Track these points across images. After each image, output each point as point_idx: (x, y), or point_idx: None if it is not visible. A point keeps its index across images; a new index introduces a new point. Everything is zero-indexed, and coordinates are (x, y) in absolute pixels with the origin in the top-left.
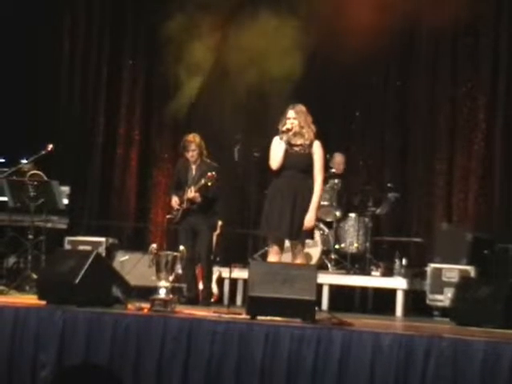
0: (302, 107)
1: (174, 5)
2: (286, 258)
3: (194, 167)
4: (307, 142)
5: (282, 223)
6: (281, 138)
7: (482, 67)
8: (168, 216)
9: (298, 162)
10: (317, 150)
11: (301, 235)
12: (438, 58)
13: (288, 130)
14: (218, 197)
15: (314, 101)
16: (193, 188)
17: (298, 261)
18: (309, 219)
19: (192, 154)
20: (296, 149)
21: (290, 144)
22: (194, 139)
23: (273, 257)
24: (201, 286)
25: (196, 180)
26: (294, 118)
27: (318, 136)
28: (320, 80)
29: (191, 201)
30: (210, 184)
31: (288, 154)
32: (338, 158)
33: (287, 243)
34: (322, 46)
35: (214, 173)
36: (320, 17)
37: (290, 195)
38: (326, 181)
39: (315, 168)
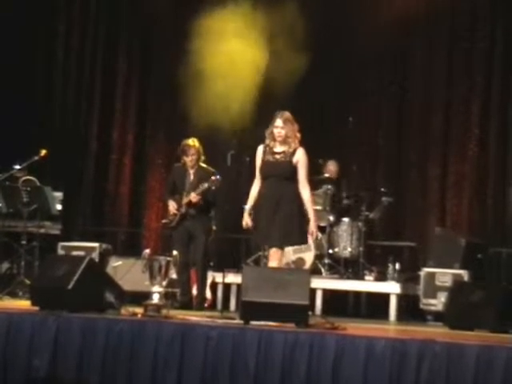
0: (288, 115)
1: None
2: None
3: (191, 172)
4: (290, 150)
5: (269, 232)
6: (265, 145)
7: (477, 72)
8: (164, 220)
9: (279, 170)
10: (300, 157)
11: (288, 241)
12: (432, 63)
13: (274, 139)
14: (216, 202)
15: (308, 105)
16: (194, 192)
17: (273, 264)
18: (312, 228)
19: (191, 159)
20: (277, 156)
21: (271, 152)
22: (193, 144)
23: (272, 263)
24: (194, 290)
25: (194, 185)
26: (282, 128)
27: (303, 143)
28: (314, 85)
29: (190, 205)
30: (213, 188)
31: (269, 163)
32: (332, 167)
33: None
34: (316, 51)
35: (218, 177)
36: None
37: (273, 203)
38: (319, 185)
39: (300, 175)
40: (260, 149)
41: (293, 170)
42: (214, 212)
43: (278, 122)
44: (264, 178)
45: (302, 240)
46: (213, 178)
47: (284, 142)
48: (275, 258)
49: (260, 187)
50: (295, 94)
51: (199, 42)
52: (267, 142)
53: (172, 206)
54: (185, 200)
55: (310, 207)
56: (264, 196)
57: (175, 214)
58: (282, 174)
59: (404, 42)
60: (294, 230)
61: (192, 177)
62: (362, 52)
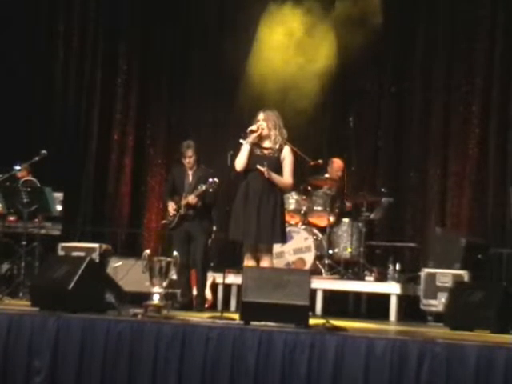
0: (273, 111)
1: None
2: (278, 263)
3: (190, 173)
4: (276, 146)
5: (248, 228)
6: (244, 138)
7: (476, 72)
8: (163, 221)
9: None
10: (287, 154)
11: (267, 238)
12: (432, 64)
13: (252, 132)
14: (215, 203)
15: (308, 106)
16: (193, 194)
17: (264, 264)
18: (267, 172)
19: (189, 161)
20: (265, 151)
21: (258, 146)
22: (190, 146)
23: (247, 263)
24: (195, 291)
25: (193, 186)
26: (263, 120)
27: (289, 141)
28: (314, 86)
29: (189, 206)
30: (211, 190)
31: (255, 157)
32: (336, 165)
33: (277, 248)
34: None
35: (215, 179)
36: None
37: (256, 198)
38: (319, 186)
39: (284, 172)
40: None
41: (278, 167)
42: (214, 213)
43: (260, 115)
44: (249, 171)
45: (282, 239)
46: (210, 180)
47: (267, 136)
48: (266, 259)
49: (245, 179)
50: (294, 94)
51: (202, 41)
52: (246, 136)
53: (171, 206)
54: (183, 201)
55: (281, 178)
56: (247, 187)
57: (174, 215)
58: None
59: (404, 43)
60: (276, 230)
61: (191, 178)
62: (362, 52)
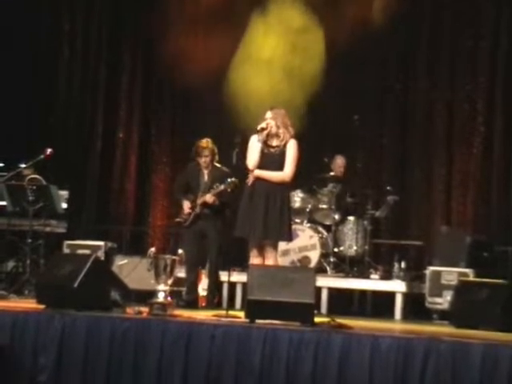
0: (280, 109)
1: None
2: (283, 261)
3: (205, 172)
4: (283, 143)
5: (255, 225)
6: (257, 139)
7: (481, 71)
8: (177, 219)
9: (273, 163)
10: (290, 146)
11: (274, 235)
12: (436, 62)
13: (262, 130)
14: (230, 201)
15: (313, 104)
16: (210, 193)
17: (269, 262)
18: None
19: (205, 160)
20: (272, 150)
21: (266, 144)
22: (207, 145)
23: (254, 260)
24: (200, 290)
25: (209, 185)
26: (271, 119)
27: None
28: (318, 83)
29: (205, 205)
30: (229, 190)
31: (263, 155)
32: (339, 161)
33: (282, 246)
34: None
35: (234, 179)
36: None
37: (263, 196)
38: (324, 184)
39: (286, 161)
40: (253, 138)
41: (284, 163)
42: (227, 212)
43: (268, 114)
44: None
45: (288, 238)
46: (229, 180)
47: (275, 134)
48: (271, 257)
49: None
50: (298, 92)
51: (203, 40)
52: (257, 134)
53: (186, 205)
54: (199, 200)
55: (272, 173)
56: (254, 189)
57: (189, 214)
58: (274, 168)
59: (408, 41)
60: (283, 228)
61: (206, 177)
62: (367, 50)
